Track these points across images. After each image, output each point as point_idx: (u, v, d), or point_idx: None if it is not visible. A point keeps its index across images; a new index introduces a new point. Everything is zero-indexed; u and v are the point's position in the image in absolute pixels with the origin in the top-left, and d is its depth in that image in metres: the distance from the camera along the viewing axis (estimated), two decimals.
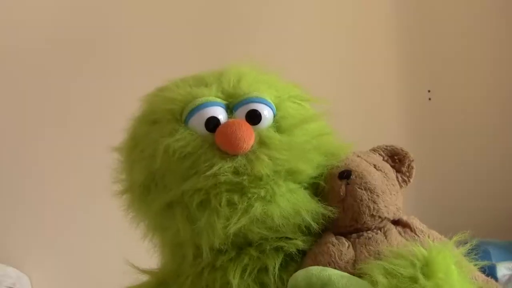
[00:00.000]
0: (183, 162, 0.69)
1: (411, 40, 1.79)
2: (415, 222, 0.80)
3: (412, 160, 0.85)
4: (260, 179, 0.69)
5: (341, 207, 0.74)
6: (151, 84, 0.84)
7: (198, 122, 0.71)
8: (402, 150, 0.85)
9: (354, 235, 0.74)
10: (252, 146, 0.70)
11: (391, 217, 0.77)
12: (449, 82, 1.80)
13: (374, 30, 1.77)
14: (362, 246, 0.73)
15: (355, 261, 0.71)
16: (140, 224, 0.79)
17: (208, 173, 0.68)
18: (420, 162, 1.90)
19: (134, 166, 0.75)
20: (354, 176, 0.75)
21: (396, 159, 0.84)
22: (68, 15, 1.55)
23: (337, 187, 0.75)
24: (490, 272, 1.32)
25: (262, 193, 0.69)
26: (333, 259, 0.71)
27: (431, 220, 1.89)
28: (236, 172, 0.69)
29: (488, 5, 1.82)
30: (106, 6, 1.57)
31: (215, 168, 0.68)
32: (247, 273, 0.70)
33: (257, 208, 0.68)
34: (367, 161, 0.80)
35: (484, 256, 1.37)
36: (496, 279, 1.30)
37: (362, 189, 0.75)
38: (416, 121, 1.79)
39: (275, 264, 0.70)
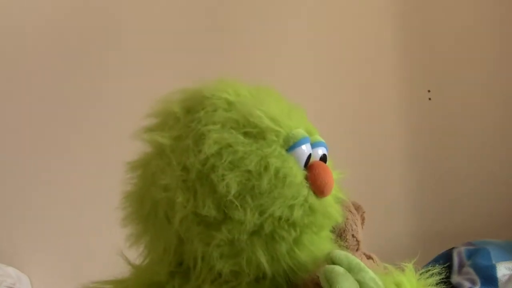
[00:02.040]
0: (289, 191, 0.69)
1: (411, 40, 1.79)
2: (375, 256, 0.88)
3: (364, 212, 0.91)
4: (329, 225, 0.74)
5: None
6: (158, 87, 0.82)
7: (301, 155, 0.72)
8: (356, 202, 0.93)
9: None
10: None
11: (361, 246, 0.86)
12: (449, 82, 1.80)
13: (374, 31, 1.77)
14: None
15: None
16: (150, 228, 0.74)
17: (308, 209, 0.70)
18: (420, 162, 1.92)
19: (216, 176, 0.68)
20: None
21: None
22: (70, 16, 1.55)
23: None
24: (490, 272, 1.32)
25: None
26: None
27: (431, 220, 1.91)
28: (324, 214, 0.73)
29: (488, 5, 1.82)
30: (107, 8, 1.57)
31: (315, 206, 0.71)
32: None
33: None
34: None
35: (484, 256, 1.38)
36: (496, 279, 1.31)
37: (347, 211, 0.84)
38: (416, 121, 1.79)
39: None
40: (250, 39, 1.66)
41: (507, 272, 1.32)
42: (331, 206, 0.74)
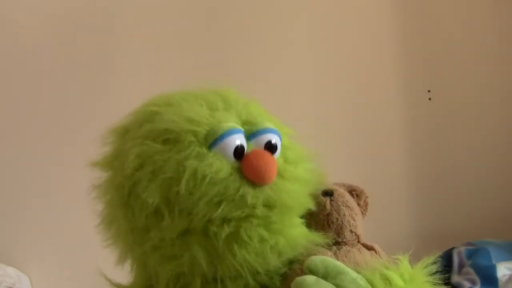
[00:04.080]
0: (212, 188, 0.69)
1: (411, 40, 1.79)
2: (378, 247, 0.87)
3: (367, 196, 0.92)
4: (282, 213, 0.71)
5: (326, 221, 0.82)
6: (152, 87, 0.83)
7: (225, 149, 0.71)
8: (358, 187, 0.92)
9: (334, 247, 0.80)
10: None
11: (361, 238, 0.85)
12: (449, 82, 1.80)
13: (374, 31, 1.77)
14: (343, 256, 0.79)
15: None
16: (120, 247, 0.77)
17: (240, 201, 0.69)
18: (420, 162, 1.92)
19: (141, 188, 0.71)
20: (336, 195, 0.84)
21: (354, 194, 0.91)
22: (70, 15, 1.55)
23: (323, 202, 0.82)
24: (490, 272, 1.32)
25: (284, 230, 0.71)
26: None
27: (431, 220, 1.91)
28: (266, 204, 0.70)
29: (488, 5, 1.82)
30: (108, 8, 1.57)
31: (249, 197, 0.69)
32: None
33: (282, 245, 0.71)
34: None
35: (484, 256, 1.38)
36: (496, 279, 1.31)
37: (344, 206, 0.83)
38: (416, 121, 1.79)
39: None
40: (250, 39, 1.66)
41: (507, 272, 1.32)
42: (281, 192, 0.72)
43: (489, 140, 1.81)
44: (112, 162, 0.77)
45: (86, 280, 1.50)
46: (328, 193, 0.84)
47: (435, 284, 0.72)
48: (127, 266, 0.79)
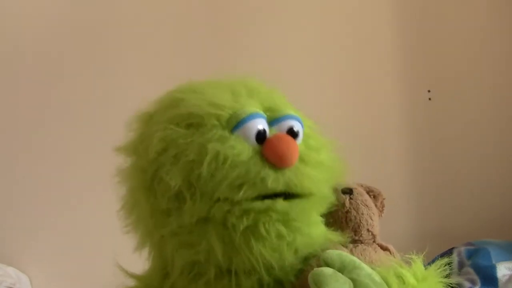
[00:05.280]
0: (234, 170, 0.69)
1: (411, 40, 1.79)
2: (392, 247, 0.87)
3: (384, 198, 0.92)
4: (302, 209, 0.71)
5: (344, 218, 0.83)
6: (153, 85, 0.83)
7: (247, 132, 0.71)
8: (376, 189, 0.93)
9: (350, 245, 0.81)
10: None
11: (377, 238, 0.86)
12: (449, 82, 1.80)
13: (374, 31, 1.77)
14: (359, 254, 0.80)
15: None
16: (140, 232, 0.77)
17: (261, 184, 0.68)
18: (420, 162, 1.91)
19: (164, 172, 0.71)
20: (356, 193, 0.85)
21: (371, 195, 0.92)
22: (70, 14, 1.55)
23: (342, 200, 0.83)
24: (490, 272, 1.32)
25: (303, 227, 0.71)
26: None
27: (431, 220, 1.91)
28: (286, 188, 0.70)
29: (488, 5, 1.82)
30: (107, 7, 1.57)
31: (269, 180, 0.69)
32: None
33: (299, 242, 0.71)
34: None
35: (484, 256, 1.38)
36: (496, 279, 1.31)
37: (363, 205, 0.84)
38: (416, 121, 1.79)
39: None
40: (250, 41, 1.66)
41: (507, 272, 1.32)
42: (303, 176, 0.71)
43: (489, 140, 1.81)
44: (136, 147, 0.76)
45: (86, 280, 1.50)
46: (348, 191, 0.84)
47: (447, 286, 0.72)
48: (145, 253, 0.79)
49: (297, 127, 0.75)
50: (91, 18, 1.56)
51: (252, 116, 0.72)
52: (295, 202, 0.71)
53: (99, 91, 1.55)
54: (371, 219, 0.84)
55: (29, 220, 1.51)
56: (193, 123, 0.72)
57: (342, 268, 0.65)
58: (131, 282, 0.79)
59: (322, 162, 0.75)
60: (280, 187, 0.69)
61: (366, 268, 0.66)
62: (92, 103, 1.55)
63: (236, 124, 0.71)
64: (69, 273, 1.52)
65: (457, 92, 1.80)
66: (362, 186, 0.91)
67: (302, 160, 0.72)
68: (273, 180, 0.69)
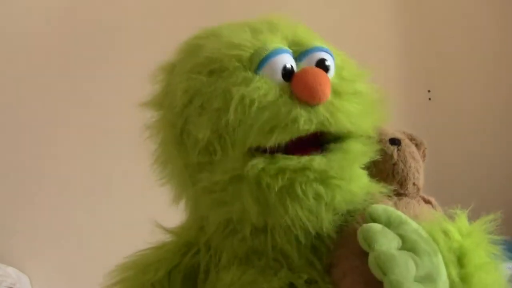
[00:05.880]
0: (262, 113, 0.62)
1: (411, 40, 1.79)
2: (434, 200, 0.83)
3: (426, 148, 0.87)
4: (341, 166, 0.64)
5: (391, 171, 0.77)
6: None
7: (273, 70, 0.64)
8: (418, 137, 0.88)
9: (395, 198, 0.74)
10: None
11: (420, 191, 0.80)
12: (449, 82, 1.80)
13: (374, 31, 1.77)
14: (402, 208, 0.73)
15: None
16: (175, 185, 0.71)
17: (292, 125, 0.61)
18: None
19: (191, 124, 0.66)
20: (403, 144, 0.78)
21: (414, 143, 0.86)
22: (70, 13, 1.55)
23: (390, 151, 0.77)
24: None
25: (343, 184, 0.64)
26: None
27: None
28: (320, 127, 0.63)
29: (487, 5, 1.82)
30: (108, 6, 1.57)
31: (301, 120, 0.61)
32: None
33: (339, 200, 0.64)
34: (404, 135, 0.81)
35: None
36: None
37: (411, 158, 0.78)
38: (416, 121, 1.79)
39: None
40: None
41: (507, 271, 1.32)
42: (338, 111, 0.64)
43: (489, 139, 1.81)
44: (163, 100, 0.71)
45: (86, 280, 1.50)
46: (395, 142, 0.78)
47: (492, 242, 0.68)
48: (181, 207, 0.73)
49: (327, 59, 0.68)
50: (91, 17, 1.56)
51: (275, 52, 0.65)
52: (334, 158, 0.64)
53: (99, 92, 1.55)
54: (418, 172, 0.79)
55: (29, 220, 1.51)
56: (215, 68, 0.66)
57: (388, 224, 0.62)
58: (168, 237, 0.74)
59: (359, 92, 0.68)
60: (313, 126, 0.62)
61: (413, 223, 0.62)
62: (93, 103, 1.55)
63: (259, 63, 0.65)
64: (69, 273, 1.52)
65: (457, 92, 1.80)
66: (404, 133, 0.85)
67: (336, 93, 0.65)
68: (306, 120, 0.62)
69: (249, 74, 0.64)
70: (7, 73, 1.51)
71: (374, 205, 0.64)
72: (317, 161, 0.63)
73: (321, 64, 0.67)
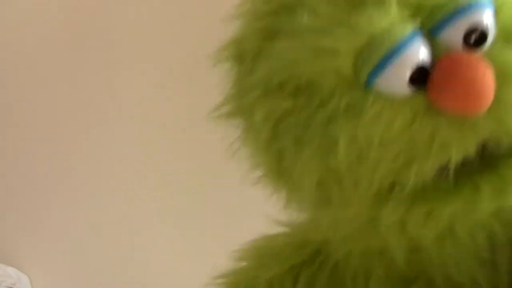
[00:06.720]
0: (389, 150, 0.41)
1: None
2: None
3: None
4: None
5: None
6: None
7: (396, 76, 0.40)
8: None
9: None
10: None
11: None
12: None
13: None
14: None
15: None
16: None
17: (440, 153, 0.40)
18: None
19: (288, 161, 0.46)
20: None
21: None
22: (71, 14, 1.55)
23: None
24: None
25: None
26: None
27: None
28: (486, 141, 0.41)
29: None
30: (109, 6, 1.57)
31: (453, 145, 0.39)
32: None
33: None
34: None
35: None
36: None
37: None
38: None
39: None
40: None
41: None
42: (508, 114, 0.40)
43: None
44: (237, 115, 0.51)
45: (86, 280, 1.50)
46: None
47: None
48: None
49: (482, 21, 0.40)
50: (90, 18, 1.56)
51: (395, 51, 0.39)
52: (508, 190, 0.41)
53: (100, 92, 1.55)
54: None
55: (29, 220, 1.51)
56: (299, 86, 0.43)
57: None
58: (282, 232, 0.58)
59: None
60: (472, 147, 0.40)
61: None
62: (94, 104, 1.54)
63: (370, 72, 0.40)
64: (69, 273, 1.52)
65: None
66: None
67: (501, 77, 0.39)
68: (460, 143, 0.40)
69: (357, 93, 0.41)
70: (7, 73, 1.51)
71: None
72: (486, 197, 0.41)
73: (473, 36, 0.40)
